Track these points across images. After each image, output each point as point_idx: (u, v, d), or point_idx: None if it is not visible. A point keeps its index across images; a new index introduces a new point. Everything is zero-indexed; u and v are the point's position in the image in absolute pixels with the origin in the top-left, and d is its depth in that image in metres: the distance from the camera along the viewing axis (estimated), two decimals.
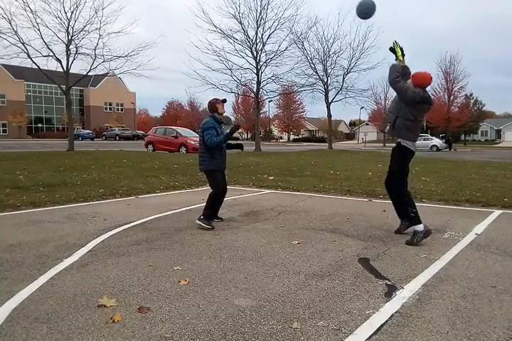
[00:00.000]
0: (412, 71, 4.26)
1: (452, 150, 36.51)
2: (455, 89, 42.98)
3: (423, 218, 4.27)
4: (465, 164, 14.85)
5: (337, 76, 28.89)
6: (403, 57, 4.22)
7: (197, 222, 4.76)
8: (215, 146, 4.74)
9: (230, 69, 23.29)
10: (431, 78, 4.13)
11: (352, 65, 28.34)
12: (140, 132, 51.22)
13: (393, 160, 4.36)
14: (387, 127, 4.42)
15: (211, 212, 4.88)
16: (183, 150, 20.99)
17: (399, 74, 4.10)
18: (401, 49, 4.20)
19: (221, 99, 4.93)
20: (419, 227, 4.09)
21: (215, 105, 4.88)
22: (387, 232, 4.54)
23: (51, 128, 59.85)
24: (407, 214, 4.22)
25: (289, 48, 24.18)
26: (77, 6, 17.56)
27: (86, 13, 22.30)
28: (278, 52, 23.52)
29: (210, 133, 4.70)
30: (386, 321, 2.37)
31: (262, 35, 23.25)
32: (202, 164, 4.88)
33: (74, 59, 18.36)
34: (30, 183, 7.83)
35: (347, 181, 9.13)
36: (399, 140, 4.30)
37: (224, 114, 5.30)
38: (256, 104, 25.18)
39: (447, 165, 14.56)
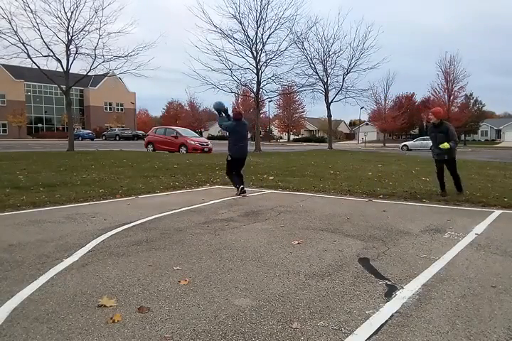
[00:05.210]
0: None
1: None
2: (455, 89, 42.99)
3: (423, 218, 4.60)
4: (465, 164, 14.83)
5: (337, 76, 28.96)
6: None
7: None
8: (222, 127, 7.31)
9: (230, 69, 23.32)
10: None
11: (352, 65, 28.42)
12: (140, 132, 51.16)
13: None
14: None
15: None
16: (183, 150, 21.01)
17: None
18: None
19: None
20: None
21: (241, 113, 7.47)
22: (387, 232, 4.54)
23: (51, 128, 59.85)
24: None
25: (289, 48, 24.22)
26: (77, 6, 17.62)
27: (86, 13, 22.40)
28: (278, 52, 23.55)
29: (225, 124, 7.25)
30: (386, 321, 2.37)
31: (262, 35, 23.28)
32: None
33: (74, 59, 18.41)
34: (30, 183, 7.83)
35: (347, 181, 9.12)
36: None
37: (216, 101, 7.37)
38: (256, 104, 25.17)
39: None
